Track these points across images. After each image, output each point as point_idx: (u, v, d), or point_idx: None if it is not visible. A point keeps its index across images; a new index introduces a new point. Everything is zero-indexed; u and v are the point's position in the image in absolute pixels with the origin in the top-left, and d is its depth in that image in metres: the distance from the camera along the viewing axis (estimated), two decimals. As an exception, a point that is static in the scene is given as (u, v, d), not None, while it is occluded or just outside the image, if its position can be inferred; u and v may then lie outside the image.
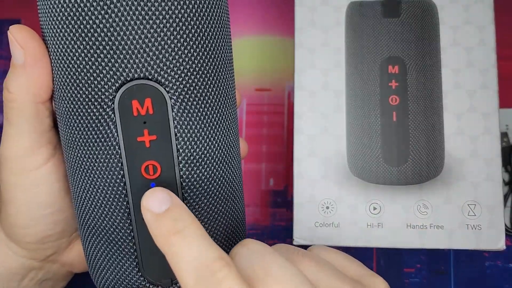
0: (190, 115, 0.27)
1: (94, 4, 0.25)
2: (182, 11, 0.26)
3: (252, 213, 0.45)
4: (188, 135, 0.27)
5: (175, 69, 0.26)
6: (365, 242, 0.38)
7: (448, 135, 0.39)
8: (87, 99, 0.26)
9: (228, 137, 0.29)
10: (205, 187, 0.28)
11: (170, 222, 0.25)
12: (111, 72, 0.26)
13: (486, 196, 0.38)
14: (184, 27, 0.26)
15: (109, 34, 0.25)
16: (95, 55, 0.26)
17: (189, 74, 0.26)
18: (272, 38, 0.47)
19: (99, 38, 0.25)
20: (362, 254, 0.43)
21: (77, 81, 0.26)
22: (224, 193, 0.29)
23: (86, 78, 0.26)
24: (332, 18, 0.40)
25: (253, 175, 0.46)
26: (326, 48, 0.40)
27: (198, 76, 0.27)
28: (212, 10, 0.27)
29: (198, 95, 0.27)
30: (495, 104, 0.39)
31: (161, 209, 0.25)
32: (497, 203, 0.38)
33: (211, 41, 0.27)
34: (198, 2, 0.26)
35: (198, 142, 0.27)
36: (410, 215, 0.38)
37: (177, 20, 0.26)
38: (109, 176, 0.27)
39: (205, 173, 0.28)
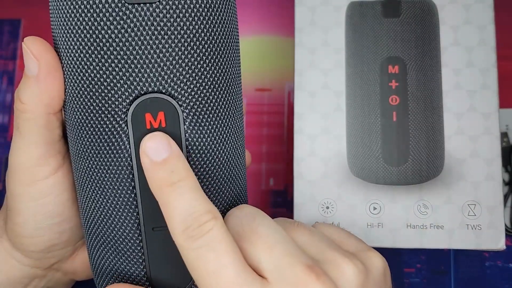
0: (201, 128, 0.27)
1: (111, 18, 0.25)
2: (197, 26, 0.26)
3: (252, 213, 0.45)
4: (199, 147, 0.27)
5: (188, 83, 0.26)
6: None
7: (448, 135, 0.39)
8: (100, 111, 0.27)
9: (236, 149, 0.29)
10: (215, 199, 0.28)
11: (166, 173, 0.25)
12: (125, 86, 0.26)
13: (486, 196, 0.38)
14: (198, 42, 0.26)
15: (124, 48, 0.26)
16: (110, 69, 0.26)
17: (201, 88, 0.27)
18: (272, 38, 0.47)
19: (114, 52, 0.26)
20: (362, 254, 0.43)
21: (91, 93, 0.27)
22: (232, 204, 0.29)
23: (100, 90, 0.26)
24: (332, 18, 0.40)
25: (253, 175, 0.46)
26: (326, 48, 0.40)
27: (210, 90, 0.27)
28: (224, 27, 0.27)
29: (210, 108, 0.27)
30: (495, 104, 0.39)
31: (159, 158, 0.26)
32: (497, 203, 0.38)
33: (223, 56, 0.27)
34: (211, 18, 0.27)
35: (208, 155, 0.28)
36: (410, 215, 0.38)
37: (191, 35, 0.26)
38: (120, 188, 0.27)
39: (215, 186, 0.28)
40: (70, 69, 0.27)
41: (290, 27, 0.46)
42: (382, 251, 0.31)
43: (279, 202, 0.45)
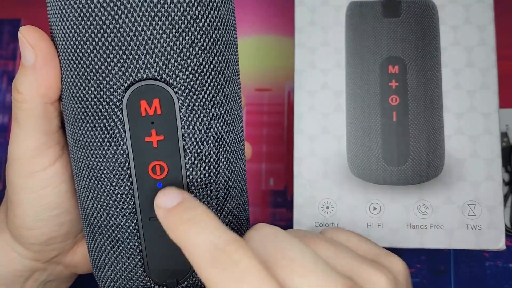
0: (197, 115, 0.27)
1: (104, 5, 0.25)
2: (191, 12, 0.26)
3: (252, 213, 0.45)
4: (195, 135, 0.27)
5: (183, 70, 0.26)
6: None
7: (448, 135, 0.39)
8: (95, 99, 0.26)
9: (234, 138, 0.29)
10: (211, 187, 0.28)
11: (182, 212, 0.25)
12: (120, 73, 0.26)
13: (486, 196, 0.38)
14: (192, 29, 0.26)
15: (118, 35, 0.25)
16: (104, 56, 0.26)
17: (196, 75, 0.27)
18: (272, 38, 0.47)
19: (109, 39, 0.26)
20: (362, 254, 0.43)
21: (86, 81, 0.26)
22: (229, 194, 0.29)
23: (95, 78, 0.26)
24: (332, 18, 0.40)
25: (253, 175, 0.45)
26: (326, 48, 0.40)
27: (205, 77, 0.27)
28: (219, 13, 0.27)
29: (206, 95, 0.27)
30: (495, 104, 0.39)
31: (172, 204, 0.25)
32: (497, 203, 0.38)
33: (218, 43, 0.27)
34: (206, 4, 0.26)
35: (205, 142, 0.27)
36: (410, 215, 0.38)
37: (186, 21, 0.26)
38: (116, 176, 0.27)
39: (212, 174, 0.28)
40: (66, 58, 0.27)
41: (290, 27, 0.46)
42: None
43: (279, 202, 0.45)
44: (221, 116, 0.28)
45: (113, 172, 0.27)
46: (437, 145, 0.38)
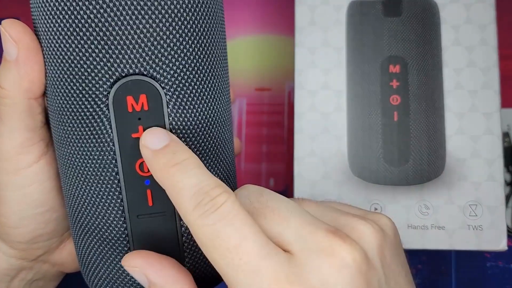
0: (185, 111, 0.27)
1: None
2: (178, 6, 0.26)
3: (252, 213, 0.45)
4: (183, 131, 0.27)
5: (171, 64, 0.26)
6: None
7: (450, 135, 0.38)
8: (80, 95, 0.26)
9: (222, 133, 0.29)
10: None
11: (169, 155, 0.25)
12: (106, 68, 0.25)
13: (487, 196, 0.38)
14: (180, 23, 0.26)
15: (104, 29, 0.25)
16: (89, 51, 0.25)
17: (184, 70, 0.26)
18: (272, 38, 0.47)
19: (94, 33, 0.25)
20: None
21: (71, 76, 0.26)
22: None
23: (80, 73, 0.26)
24: (333, 17, 0.40)
25: (253, 175, 0.45)
26: (327, 47, 0.40)
27: (193, 72, 0.27)
28: (207, 7, 0.27)
29: (194, 91, 0.27)
30: (497, 104, 0.38)
31: (160, 145, 0.25)
32: (498, 204, 0.38)
33: (206, 37, 0.27)
34: None
35: (193, 138, 0.27)
36: (411, 215, 0.38)
37: (173, 15, 0.26)
38: (103, 173, 0.27)
39: None
40: (50, 52, 0.27)
41: (290, 27, 0.46)
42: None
43: (279, 203, 0.45)
44: (210, 112, 0.28)
45: (100, 170, 0.27)
46: (438, 145, 0.38)
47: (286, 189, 0.45)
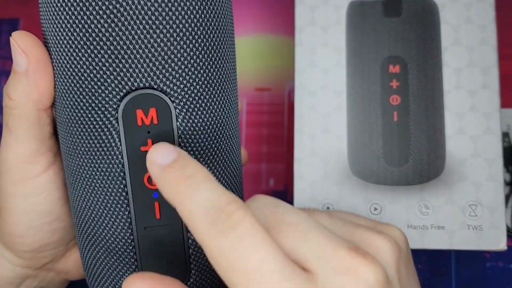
0: (194, 124, 0.27)
1: (100, 12, 0.25)
2: (190, 21, 0.26)
3: (252, 213, 0.45)
4: (192, 144, 0.27)
5: (181, 78, 0.26)
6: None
7: (449, 135, 0.38)
8: (90, 108, 0.26)
9: (231, 145, 0.29)
10: None
11: (178, 170, 0.23)
12: (116, 81, 0.25)
13: (487, 196, 0.38)
14: (191, 37, 0.26)
15: (114, 43, 0.25)
16: (100, 64, 0.25)
17: (194, 83, 0.26)
18: (272, 37, 0.47)
19: (104, 47, 0.25)
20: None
21: (81, 89, 0.26)
22: None
23: (90, 86, 0.26)
24: (333, 17, 0.40)
25: (253, 175, 0.45)
26: (327, 47, 0.40)
27: (203, 86, 0.27)
28: (218, 20, 0.27)
29: (203, 104, 0.27)
30: (497, 104, 0.38)
31: (167, 161, 0.23)
32: (498, 204, 0.38)
33: (216, 51, 0.27)
34: (204, 12, 0.26)
35: (202, 152, 0.27)
36: (411, 215, 0.38)
37: (184, 30, 0.26)
38: (111, 186, 0.27)
39: None
40: (60, 65, 0.27)
41: (290, 26, 0.46)
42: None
43: (279, 203, 0.45)
44: (219, 125, 0.28)
45: (108, 182, 0.27)
46: (438, 145, 0.38)
47: (286, 189, 0.45)
